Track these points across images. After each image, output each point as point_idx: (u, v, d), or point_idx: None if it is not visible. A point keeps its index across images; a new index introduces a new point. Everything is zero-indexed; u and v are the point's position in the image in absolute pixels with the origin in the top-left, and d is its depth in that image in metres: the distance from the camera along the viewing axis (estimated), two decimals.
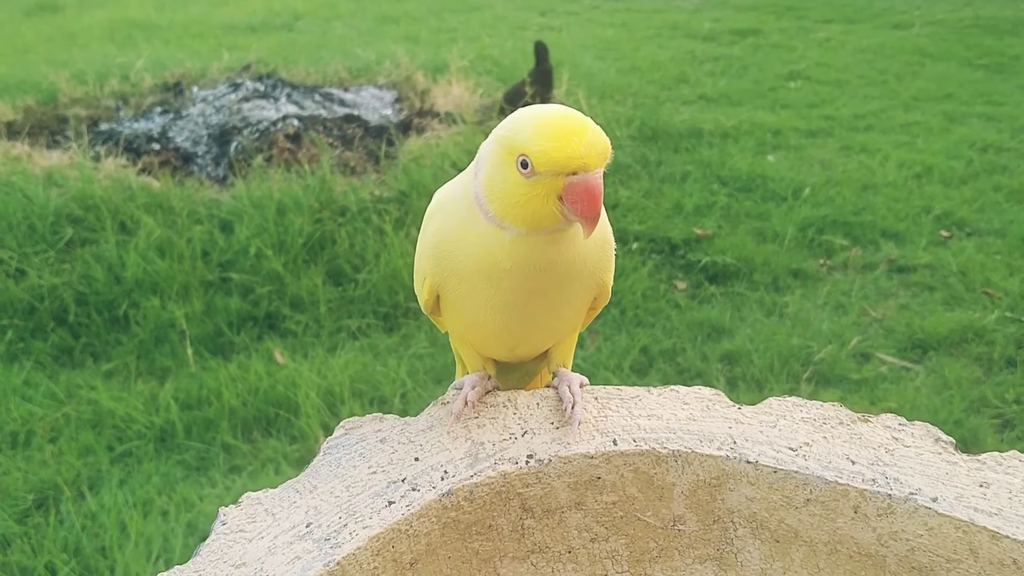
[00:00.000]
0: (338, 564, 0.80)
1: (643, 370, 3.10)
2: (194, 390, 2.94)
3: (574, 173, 0.81)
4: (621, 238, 3.83)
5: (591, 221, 0.82)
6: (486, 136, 0.91)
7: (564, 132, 0.81)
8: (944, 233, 4.02)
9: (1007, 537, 0.83)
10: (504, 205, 0.85)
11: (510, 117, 0.87)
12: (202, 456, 2.70)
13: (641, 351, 3.18)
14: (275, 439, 2.77)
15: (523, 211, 0.84)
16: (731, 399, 1.00)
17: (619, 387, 0.99)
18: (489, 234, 0.87)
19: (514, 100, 4.67)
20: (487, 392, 1.01)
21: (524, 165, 0.81)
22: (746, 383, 3.02)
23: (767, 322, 3.35)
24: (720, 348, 3.20)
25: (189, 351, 3.14)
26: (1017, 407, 2.87)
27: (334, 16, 8.81)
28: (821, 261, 3.82)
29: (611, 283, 0.99)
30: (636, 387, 0.98)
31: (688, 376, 3.06)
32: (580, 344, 3.22)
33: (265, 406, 2.88)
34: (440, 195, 0.98)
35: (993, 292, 3.49)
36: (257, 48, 6.80)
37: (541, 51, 4.95)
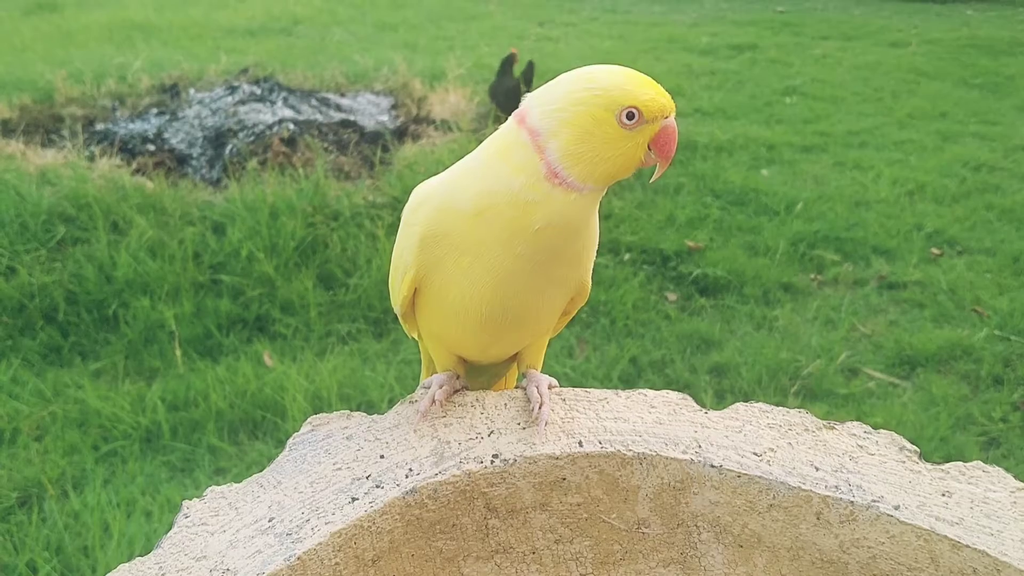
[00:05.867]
0: (299, 559, 0.80)
1: (632, 380, 3.10)
2: (181, 391, 2.94)
3: (667, 117, 0.90)
4: (613, 248, 3.84)
5: (669, 160, 0.92)
6: (481, 143, 0.94)
7: (653, 82, 0.89)
8: (935, 251, 4.04)
9: (968, 546, 0.83)
10: (593, 164, 0.88)
11: (578, 81, 0.89)
12: (187, 457, 2.70)
13: (630, 362, 3.18)
14: (261, 442, 2.77)
15: (615, 164, 0.89)
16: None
17: (587, 389, 0.99)
18: (541, 197, 0.88)
19: (509, 95, 4.83)
20: (455, 391, 1.02)
21: (630, 116, 0.87)
22: (734, 396, 3.02)
23: (756, 335, 3.36)
24: (709, 360, 3.21)
25: (178, 352, 3.14)
26: (1003, 425, 2.88)
27: (333, 22, 8.83)
28: (812, 276, 3.83)
29: (589, 283, 1.02)
30: (604, 390, 0.98)
31: (676, 388, 3.04)
32: (569, 354, 3.22)
33: (252, 409, 2.87)
34: (426, 188, 0.99)
35: (982, 310, 3.50)
36: (255, 52, 6.82)
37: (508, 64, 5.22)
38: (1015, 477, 0.90)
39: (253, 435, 2.80)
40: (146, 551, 2.42)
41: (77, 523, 2.40)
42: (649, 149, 0.90)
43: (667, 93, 0.90)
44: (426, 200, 0.96)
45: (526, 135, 0.89)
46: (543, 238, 0.90)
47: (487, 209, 0.90)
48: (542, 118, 0.89)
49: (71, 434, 2.73)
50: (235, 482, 2.63)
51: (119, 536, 2.33)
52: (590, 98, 0.87)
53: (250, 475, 2.65)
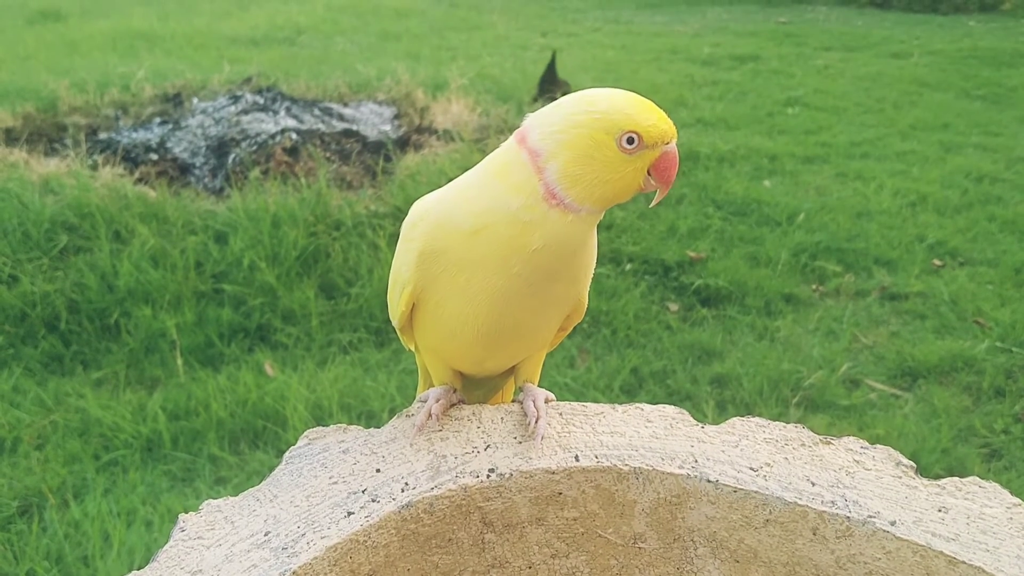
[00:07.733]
0: (294, 574, 0.80)
1: (633, 391, 3.10)
2: (182, 400, 2.94)
3: (668, 143, 0.90)
4: (615, 259, 3.84)
5: (669, 186, 0.92)
6: (484, 154, 0.94)
7: (655, 108, 0.89)
8: (937, 262, 4.03)
9: (963, 562, 0.83)
10: (591, 186, 0.88)
11: (579, 104, 0.89)
12: (188, 467, 2.70)
13: (631, 372, 3.18)
14: (262, 451, 2.77)
15: (613, 188, 0.89)
16: (719, 422, 1.00)
17: (584, 403, 0.99)
18: (539, 218, 0.88)
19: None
20: (452, 405, 1.02)
21: (631, 141, 0.87)
22: (735, 407, 3.02)
23: (758, 346, 3.36)
24: (710, 371, 3.20)
25: (179, 361, 3.15)
26: (1005, 437, 2.87)
27: (336, 31, 8.85)
28: (814, 287, 3.82)
29: (586, 301, 1.02)
30: (601, 404, 0.98)
31: (678, 398, 3.06)
32: (570, 364, 3.22)
33: (253, 418, 2.87)
34: (425, 204, 0.99)
35: (984, 322, 3.50)
36: (259, 61, 6.84)
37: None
38: (1017, 489, 0.90)
39: (254, 445, 2.80)
40: (146, 561, 2.42)
41: (77, 532, 2.40)
42: (649, 174, 0.90)
43: (669, 119, 0.89)
44: (424, 216, 0.96)
45: (526, 155, 0.89)
46: (540, 258, 0.90)
47: (485, 228, 0.90)
48: (542, 139, 0.89)
49: (72, 443, 2.74)
50: (235, 492, 2.64)
51: (119, 546, 2.33)
52: (591, 121, 0.87)
53: (251, 485, 2.66)
